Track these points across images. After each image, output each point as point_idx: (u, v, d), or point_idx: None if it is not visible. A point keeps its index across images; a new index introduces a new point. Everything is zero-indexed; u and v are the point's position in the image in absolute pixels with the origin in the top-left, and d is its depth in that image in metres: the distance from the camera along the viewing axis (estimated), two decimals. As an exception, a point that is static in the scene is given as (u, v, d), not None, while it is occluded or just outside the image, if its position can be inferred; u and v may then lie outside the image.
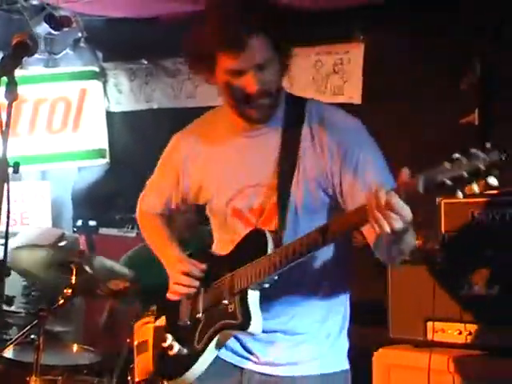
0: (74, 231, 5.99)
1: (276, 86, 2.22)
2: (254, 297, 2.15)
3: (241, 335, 2.27)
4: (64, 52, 6.25)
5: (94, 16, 5.91)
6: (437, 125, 4.30)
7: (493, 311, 3.20)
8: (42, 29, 5.82)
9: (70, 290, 3.56)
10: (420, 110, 4.41)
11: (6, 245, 1.96)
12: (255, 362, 2.31)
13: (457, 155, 1.76)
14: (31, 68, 6.04)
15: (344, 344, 2.39)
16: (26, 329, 3.47)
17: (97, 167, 6.14)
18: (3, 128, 1.98)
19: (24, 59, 2.12)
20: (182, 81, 5.79)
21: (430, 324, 3.35)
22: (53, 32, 5.90)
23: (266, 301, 2.18)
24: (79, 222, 6.00)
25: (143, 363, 3.40)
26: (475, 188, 1.75)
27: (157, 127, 5.76)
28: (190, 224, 3.90)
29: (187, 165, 2.41)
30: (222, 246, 2.39)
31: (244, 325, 2.14)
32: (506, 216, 3.25)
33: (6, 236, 1.94)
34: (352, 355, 2.42)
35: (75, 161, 6.18)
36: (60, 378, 3.54)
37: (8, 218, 1.93)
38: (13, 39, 2.12)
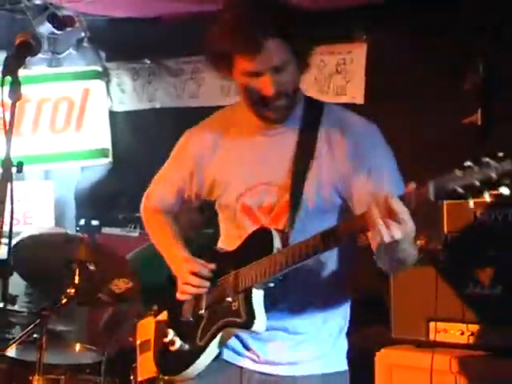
0: (76, 231, 5.98)
1: (293, 86, 2.23)
2: (258, 296, 2.15)
3: (242, 333, 2.26)
4: (67, 52, 6.25)
5: (97, 16, 5.92)
6: (438, 125, 4.30)
7: (495, 311, 3.20)
8: (45, 28, 5.83)
9: (73, 290, 3.56)
10: (420, 110, 4.41)
11: (9, 244, 1.96)
12: (255, 361, 2.30)
13: (468, 163, 1.76)
14: (34, 68, 6.04)
15: (344, 344, 2.40)
16: (29, 328, 3.47)
17: (100, 167, 6.15)
18: (7, 128, 1.99)
19: (27, 59, 2.13)
20: (184, 80, 5.80)
21: (432, 324, 3.35)
22: (56, 32, 5.90)
23: (269, 299, 2.17)
24: (82, 222, 5.97)
25: (146, 362, 3.40)
26: (486, 197, 1.75)
27: (159, 127, 5.77)
28: (195, 224, 3.90)
29: (203, 159, 2.40)
30: (228, 242, 2.38)
31: (248, 323, 2.13)
32: (509, 216, 3.26)
33: (10, 236, 1.95)
34: (354, 355, 2.42)
35: (78, 160, 6.18)
36: (63, 377, 3.55)
37: (11, 217, 1.94)
38: (16, 39, 2.13)
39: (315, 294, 2.27)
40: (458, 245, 3.37)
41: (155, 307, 3.30)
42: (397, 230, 1.87)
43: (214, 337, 2.24)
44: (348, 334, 2.42)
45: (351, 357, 2.41)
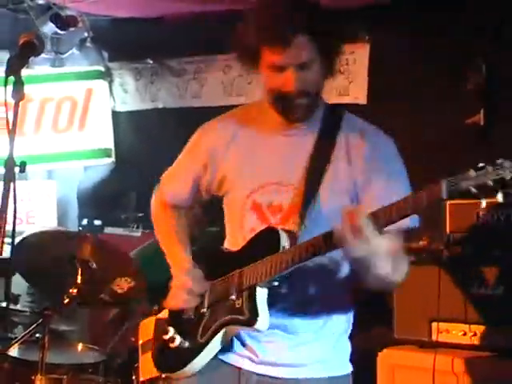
0: (79, 230, 6.00)
1: (316, 87, 2.24)
2: (262, 294, 2.15)
3: (244, 331, 2.26)
4: (70, 52, 6.26)
5: (100, 16, 5.92)
6: (439, 125, 4.30)
7: (498, 312, 3.20)
8: (48, 28, 5.83)
9: (75, 290, 3.56)
10: (421, 110, 4.42)
11: (12, 244, 1.97)
12: (253, 361, 2.28)
13: (482, 164, 1.78)
14: (37, 67, 6.05)
15: (347, 347, 2.39)
16: (31, 327, 3.47)
17: (102, 166, 6.15)
18: (10, 127, 1.99)
19: (30, 59, 2.13)
20: (187, 80, 5.80)
21: (434, 325, 3.35)
22: (59, 32, 5.90)
23: (269, 298, 2.17)
24: (85, 221, 6.00)
25: (148, 362, 3.40)
26: (499, 197, 1.77)
27: (162, 127, 5.77)
28: (198, 220, 3.90)
29: (217, 152, 2.38)
30: (233, 240, 2.37)
31: (251, 321, 2.13)
32: (511, 217, 3.25)
33: (13, 235, 1.95)
34: (356, 356, 2.42)
35: (81, 160, 6.19)
36: (65, 376, 3.54)
37: (14, 217, 1.94)
38: (20, 39, 2.13)
39: (316, 295, 2.26)
40: (461, 245, 3.37)
41: (156, 307, 3.32)
42: (359, 247, 1.91)
43: (215, 333, 2.23)
44: (350, 335, 2.41)
45: (354, 357, 2.40)
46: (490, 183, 1.76)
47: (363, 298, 2.43)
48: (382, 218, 1.94)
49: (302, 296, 2.25)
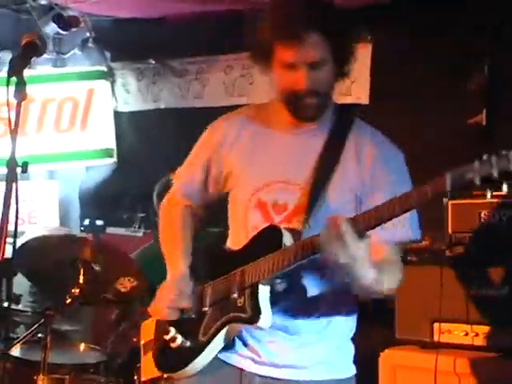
0: (81, 230, 6.01)
1: (326, 87, 2.24)
2: (264, 291, 2.14)
3: (246, 331, 2.25)
4: (72, 52, 6.27)
5: (102, 16, 5.93)
6: (441, 125, 4.30)
7: (502, 312, 3.19)
8: (51, 29, 5.84)
9: (77, 290, 3.57)
10: (421, 110, 4.42)
11: (14, 244, 1.97)
12: (255, 361, 2.27)
13: (487, 155, 1.77)
14: (39, 68, 6.06)
15: (350, 349, 2.38)
16: (34, 327, 3.47)
17: (104, 167, 6.16)
18: (12, 128, 1.99)
19: (33, 59, 2.13)
20: (189, 81, 5.81)
21: (436, 325, 3.35)
22: (61, 32, 5.92)
23: (273, 297, 2.16)
24: (86, 222, 6.01)
25: (149, 362, 3.40)
26: (504, 188, 1.77)
27: (164, 127, 5.78)
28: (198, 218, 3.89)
29: (224, 148, 2.38)
30: (236, 239, 2.35)
31: (253, 318, 2.12)
32: (513, 217, 3.26)
33: (15, 235, 1.95)
34: (358, 356, 2.41)
35: (83, 160, 6.20)
36: (67, 376, 3.54)
37: (17, 217, 1.94)
38: (22, 39, 2.13)
39: (319, 295, 2.25)
40: (463, 245, 3.37)
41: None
42: (340, 254, 1.92)
43: (218, 332, 2.22)
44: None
45: (355, 358, 2.40)
46: (495, 174, 1.75)
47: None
48: (361, 223, 1.95)
49: (305, 296, 2.23)
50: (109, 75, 6.22)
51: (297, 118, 2.27)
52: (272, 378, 2.26)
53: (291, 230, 2.17)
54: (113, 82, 6.24)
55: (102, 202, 6.02)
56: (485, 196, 3.39)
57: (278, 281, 2.15)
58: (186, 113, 5.69)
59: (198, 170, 2.45)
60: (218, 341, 2.24)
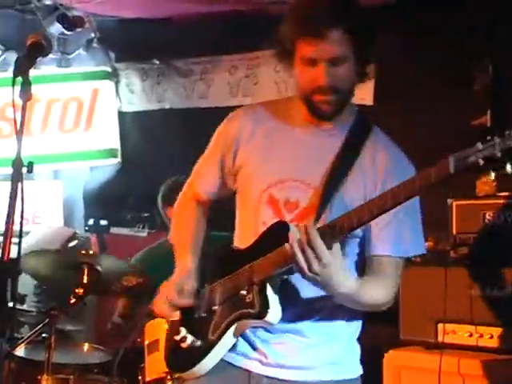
0: (85, 230, 6.02)
1: (347, 85, 2.22)
2: (272, 287, 2.13)
3: (255, 334, 2.25)
4: (77, 52, 6.28)
5: (107, 16, 5.94)
6: (445, 126, 4.30)
7: (506, 313, 3.19)
8: (55, 29, 5.86)
9: (81, 290, 3.57)
10: (426, 111, 4.41)
11: (19, 244, 1.97)
12: (262, 362, 2.27)
13: (490, 136, 1.77)
14: (44, 68, 6.07)
15: (357, 348, 2.37)
16: (38, 327, 3.48)
17: (108, 167, 6.17)
18: (17, 128, 2.00)
19: (38, 59, 2.13)
20: (194, 81, 5.81)
21: (440, 326, 3.34)
22: (66, 32, 5.93)
23: (281, 297, 2.16)
24: (91, 222, 6.01)
25: (154, 363, 3.41)
26: (508, 168, 1.76)
27: (168, 127, 5.78)
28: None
29: (240, 141, 2.36)
30: (245, 234, 2.35)
31: (261, 313, 2.11)
32: (518, 218, 3.25)
33: (20, 235, 1.95)
34: (362, 357, 2.41)
35: (87, 160, 6.21)
36: (71, 376, 3.55)
37: (22, 217, 1.95)
38: (27, 40, 2.13)
39: (326, 298, 2.24)
40: (467, 246, 3.37)
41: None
42: (315, 265, 1.96)
43: (227, 329, 2.21)
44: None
45: (360, 358, 2.40)
46: (498, 154, 1.75)
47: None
48: (338, 228, 1.99)
49: (312, 299, 2.22)
50: (113, 75, 6.24)
51: (314, 115, 2.26)
52: (279, 380, 2.26)
53: (299, 226, 2.16)
54: (117, 83, 6.25)
55: (106, 202, 6.03)
56: (489, 197, 3.40)
57: (286, 276, 2.14)
58: (191, 113, 5.69)
59: (214, 165, 2.44)
60: (227, 339, 2.23)
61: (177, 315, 2.35)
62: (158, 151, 5.71)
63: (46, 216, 5.98)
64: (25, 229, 1.97)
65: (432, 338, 3.36)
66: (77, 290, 3.57)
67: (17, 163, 1.99)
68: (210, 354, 2.25)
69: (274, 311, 2.11)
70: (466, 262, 3.34)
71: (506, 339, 3.18)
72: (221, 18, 5.27)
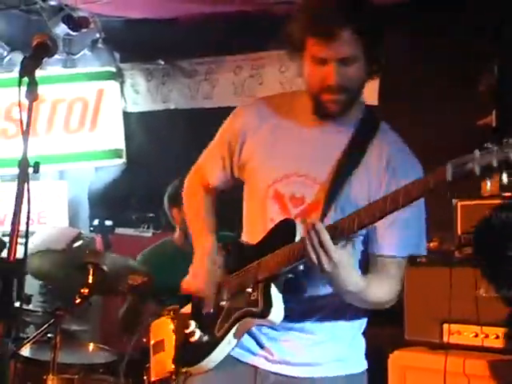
0: (90, 231, 6.02)
1: (356, 85, 2.23)
2: (277, 286, 2.14)
3: (262, 332, 2.26)
4: (82, 53, 6.29)
5: (112, 17, 5.95)
6: (450, 126, 4.29)
7: (511, 313, 3.19)
8: (61, 29, 5.86)
9: (86, 290, 3.58)
10: (431, 111, 4.41)
11: (26, 244, 1.97)
12: (268, 359, 2.28)
13: (488, 144, 1.76)
14: (49, 68, 6.08)
15: (362, 344, 2.38)
16: (43, 327, 3.48)
17: (113, 167, 6.17)
18: (24, 128, 2.00)
19: (44, 60, 2.14)
20: (198, 81, 5.82)
21: (445, 326, 3.34)
22: (71, 33, 5.94)
23: (286, 300, 2.16)
24: (96, 222, 6.02)
25: (159, 363, 3.41)
26: (504, 178, 1.75)
27: (173, 127, 5.79)
28: None
29: (246, 134, 2.37)
30: (253, 229, 2.35)
31: (264, 312, 2.12)
32: (523, 218, 3.25)
33: (27, 235, 1.96)
34: (367, 357, 2.41)
35: (92, 161, 6.22)
36: (76, 376, 3.56)
37: (28, 217, 1.95)
38: (33, 40, 2.14)
39: (332, 295, 2.24)
40: (472, 246, 3.36)
41: (170, 307, 3.33)
42: (325, 263, 1.98)
43: (231, 327, 2.23)
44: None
45: (365, 358, 2.40)
46: (495, 164, 1.74)
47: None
48: (339, 230, 2.00)
49: (317, 297, 2.24)
50: (118, 76, 6.24)
51: (323, 113, 2.25)
52: (285, 376, 2.27)
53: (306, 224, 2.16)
54: (122, 83, 6.26)
55: (111, 202, 6.04)
56: (494, 197, 3.39)
57: (291, 275, 2.15)
58: (196, 113, 5.70)
59: (222, 159, 2.44)
60: (233, 336, 2.24)
61: (213, 290, 2.34)
62: (163, 151, 5.72)
63: (51, 216, 5.99)
64: (30, 229, 1.96)
65: (437, 338, 3.36)
66: (82, 290, 3.58)
67: (23, 163, 1.99)
68: (215, 351, 2.26)
69: (277, 310, 2.12)
70: (471, 262, 3.34)
71: (512, 340, 3.18)
72: (225, 19, 5.27)
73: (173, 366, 3.19)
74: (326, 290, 2.22)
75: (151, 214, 5.78)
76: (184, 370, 2.47)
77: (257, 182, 2.34)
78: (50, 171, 6.23)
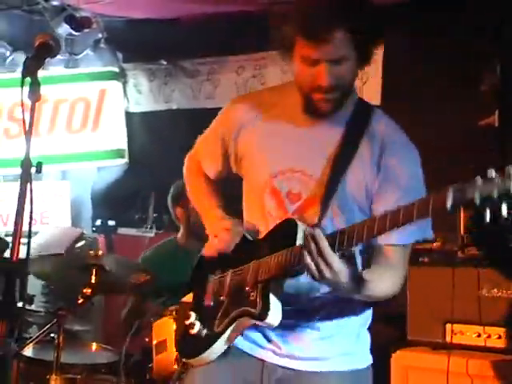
0: (93, 231, 6.03)
1: (348, 82, 2.21)
2: (276, 288, 2.13)
3: (256, 326, 2.24)
4: (84, 53, 6.29)
5: (114, 17, 5.95)
6: (453, 126, 4.29)
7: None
8: (63, 30, 5.86)
9: (89, 290, 3.58)
10: (434, 111, 4.41)
11: (28, 244, 1.97)
12: (276, 353, 2.27)
13: (492, 173, 1.70)
14: (52, 68, 6.08)
15: (367, 338, 2.38)
16: (46, 327, 3.49)
17: (116, 167, 6.17)
18: (26, 128, 2.00)
19: (46, 60, 2.14)
20: (201, 81, 5.82)
21: (448, 326, 3.34)
22: (73, 33, 5.93)
23: (290, 299, 2.16)
24: (98, 222, 6.03)
25: (161, 363, 3.41)
26: (503, 210, 1.71)
27: (176, 128, 5.78)
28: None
29: (241, 129, 2.36)
30: (253, 223, 2.34)
31: (261, 315, 2.11)
32: (526, 218, 3.24)
33: (29, 236, 1.96)
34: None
35: (94, 161, 6.22)
36: (79, 376, 3.56)
37: (31, 217, 1.95)
38: (36, 40, 2.14)
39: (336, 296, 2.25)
40: (475, 246, 3.36)
41: (173, 307, 3.33)
42: (326, 272, 1.96)
43: (230, 324, 2.22)
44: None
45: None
46: (495, 195, 1.69)
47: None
48: (343, 239, 1.97)
49: (320, 295, 2.23)
50: (121, 76, 6.24)
51: (311, 112, 2.24)
52: (293, 370, 2.26)
53: (307, 226, 2.14)
54: (125, 83, 6.26)
55: (113, 202, 6.04)
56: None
57: (291, 277, 2.13)
58: (198, 113, 5.70)
59: (216, 154, 2.44)
60: (231, 333, 2.23)
61: (235, 241, 2.32)
62: (165, 151, 5.71)
63: (53, 216, 5.99)
64: (33, 229, 1.96)
65: (440, 338, 3.36)
66: (85, 290, 3.58)
67: (26, 164, 1.99)
68: (212, 347, 2.25)
69: (275, 313, 2.11)
70: (474, 263, 3.34)
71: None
72: (228, 19, 5.27)
73: (175, 367, 3.21)
74: (331, 291, 2.20)
75: (154, 214, 5.78)
76: (184, 360, 2.48)
77: (253, 177, 2.34)
78: (53, 171, 6.23)
